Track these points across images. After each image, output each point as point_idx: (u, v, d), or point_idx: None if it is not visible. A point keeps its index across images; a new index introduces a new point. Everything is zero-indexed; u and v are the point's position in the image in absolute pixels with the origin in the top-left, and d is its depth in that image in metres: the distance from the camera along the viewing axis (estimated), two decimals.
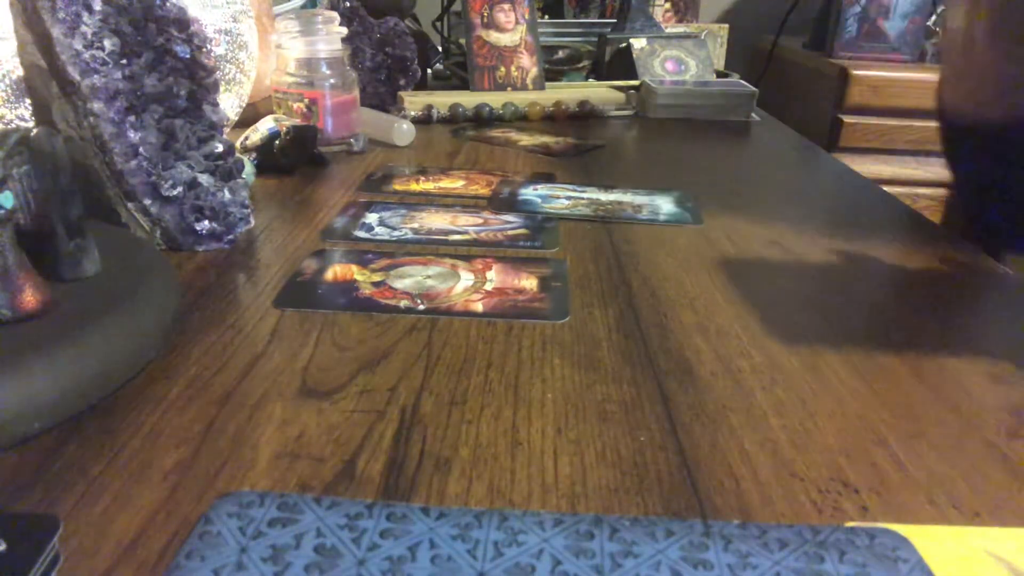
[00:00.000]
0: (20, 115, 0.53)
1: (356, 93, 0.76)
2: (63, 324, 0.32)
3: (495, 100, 0.89)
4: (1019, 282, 0.48)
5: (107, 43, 0.45)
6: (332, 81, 0.73)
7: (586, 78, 1.07)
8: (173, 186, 0.47)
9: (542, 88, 0.94)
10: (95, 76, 0.44)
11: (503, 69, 0.92)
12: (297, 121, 0.68)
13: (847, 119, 1.46)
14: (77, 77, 0.45)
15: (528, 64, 0.93)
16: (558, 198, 0.61)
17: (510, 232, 0.54)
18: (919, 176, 1.46)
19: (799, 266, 0.49)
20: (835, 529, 0.26)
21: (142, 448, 0.30)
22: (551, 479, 0.29)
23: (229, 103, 0.69)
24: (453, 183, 0.65)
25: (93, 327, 0.32)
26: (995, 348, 0.40)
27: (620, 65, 1.04)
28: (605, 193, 0.63)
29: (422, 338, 0.39)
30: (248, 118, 0.73)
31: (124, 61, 0.45)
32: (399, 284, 0.45)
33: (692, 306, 0.43)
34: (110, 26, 0.45)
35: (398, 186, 0.64)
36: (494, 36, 0.92)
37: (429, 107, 0.87)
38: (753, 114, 0.95)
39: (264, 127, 0.66)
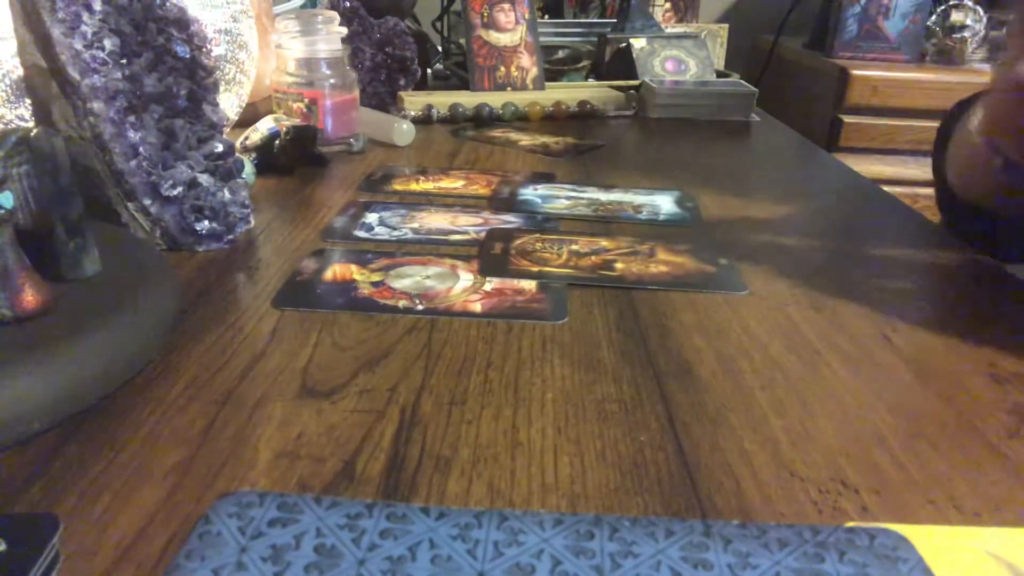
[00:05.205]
0: (20, 115, 0.53)
1: (356, 93, 0.76)
2: (63, 324, 0.32)
3: (495, 100, 0.89)
4: (1019, 281, 0.48)
5: (107, 43, 0.45)
6: (332, 81, 0.73)
7: (586, 78, 1.07)
8: (173, 186, 0.47)
9: (542, 88, 0.94)
10: (95, 76, 0.44)
11: (503, 69, 0.92)
12: (297, 121, 0.68)
13: (847, 119, 1.46)
14: (77, 77, 0.45)
15: (528, 64, 0.93)
16: (558, 198, 0.61)
17: None
18: (919, 176, 1.45)
19: (799, 265, 0.49)
20: (835, 529, 0.26)
21: (142, 448, 0.30)
22: (551, 479, 0.29)
23: (229, 103, 0.69)
24: (453, 183, 0.65)
25: (93, 327, 0.32)
26: (996, 348, 0.40)
27: (620, 65, 1.04)
28: (605, 193, 0.63)
29: (422, 338, 0.39)
30: (248, 118, 0.73)
31: (124, 61, 0.45)
32: (398, 284, 0.45)
33: (692, 306, 0.43)
34: (110, 26, 0.45)
35: (398, 186, 0.64)
36: (494, 36, 0.92)
37: (429, 107, 0.87)
38: (753, 114, 0.95)
39: (264, 127, 0.66)
